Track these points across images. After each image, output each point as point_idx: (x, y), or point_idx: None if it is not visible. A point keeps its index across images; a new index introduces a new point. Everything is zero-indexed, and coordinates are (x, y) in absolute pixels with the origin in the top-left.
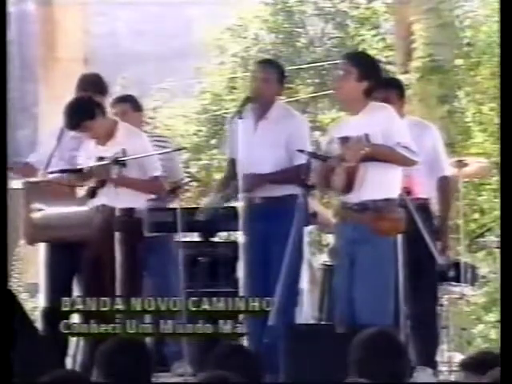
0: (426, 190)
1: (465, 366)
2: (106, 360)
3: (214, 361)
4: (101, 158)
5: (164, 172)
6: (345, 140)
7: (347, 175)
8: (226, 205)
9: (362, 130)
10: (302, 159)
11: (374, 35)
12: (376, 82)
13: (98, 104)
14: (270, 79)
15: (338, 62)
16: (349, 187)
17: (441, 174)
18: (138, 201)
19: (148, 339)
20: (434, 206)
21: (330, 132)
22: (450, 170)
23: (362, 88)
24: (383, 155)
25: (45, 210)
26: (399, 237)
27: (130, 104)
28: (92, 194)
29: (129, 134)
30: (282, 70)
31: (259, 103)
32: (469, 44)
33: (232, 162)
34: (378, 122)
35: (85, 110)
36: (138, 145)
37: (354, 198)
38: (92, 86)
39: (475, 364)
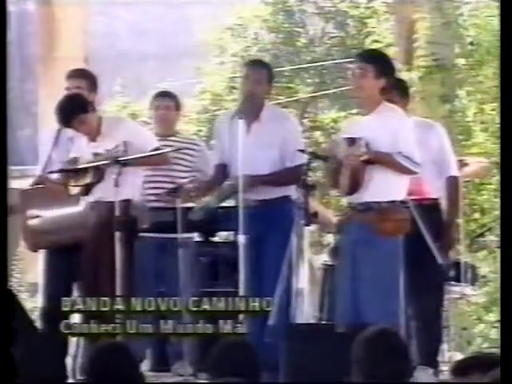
0: (434, 190)
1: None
2: (92, 365)
3: (216, 357)
4: (96, 155)
5: (197, 174)
6: (349, 141)
7: (350, 176)
8: (225, 205)
9: (370, 132)
10: (297, 160)
11: (379, 34)
12: (391, 79)
13: (88, 100)
14: (262, 80)
15: (338, 61)
16: (352, 188)
17: (448, 174)
18: (135, 191)
19: (139, 340)
20: (443, 206)
21: (343, 131)
22: (457, 170)
23: (380, 86)
24: (384, 162)
25: (44, 216)
26: (402, 237)
27: (175, 102)
28: (87, 191)
29: (111, 123)
30: (271, 69)
31: (250, 105)
32: (471, 43)
33: (221, 167)
34: (387, 125)
35: (77, 105)
36: (127, 129)
37: (358, 197)
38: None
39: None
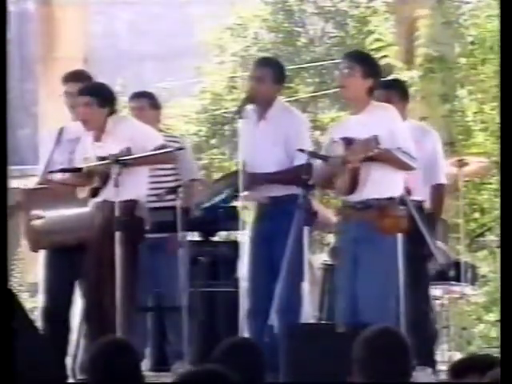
0: (420, 192)
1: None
2: (95, 364)
3: (217, 357)
4: (101, 159)
5: (180, 173)
6: (347, 140)
7: (350, 175)
8: (226, 205)
9: (365, 130)
10: (301, 159)
11: (380, 33)
12: (378, 80)
13: (114, 100)
14: (266, 79)
15: (338, 61)
16: (352, 188)
17: (436, 181)
18: (140, 191)
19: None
20: (427, 211)
21: (330, 132)
22: (445, 178)
23: (367, 86)
24: (384, 159)
25: (46, 216)
26: (400, 235)
27: (149, 101)
28: (94, 193)
29: (116, 122)
30: (280, 69)
31: (259, 103)
32: (472, 42)
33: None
34: (381, 122)
35: (102, 93)
36: (131, 129)
37: (356, 196)
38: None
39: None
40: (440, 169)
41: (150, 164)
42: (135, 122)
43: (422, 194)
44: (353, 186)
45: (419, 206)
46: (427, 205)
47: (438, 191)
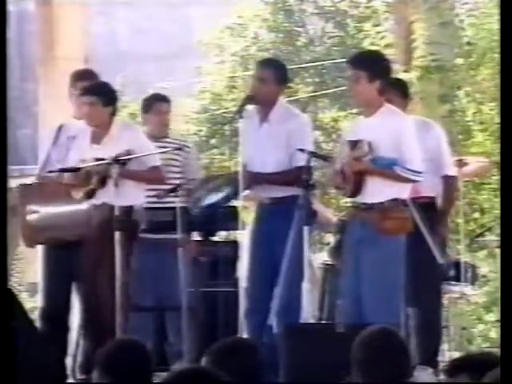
0: (431, 188)
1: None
2: (106, 362)
3: (213, 357)
4: (98, 158)
5: (183, 176)
6: (353, 142)
7: (355, 178)
8: (226, 204)
9: (373, 134)
10: (302, 160)
11: (378, 32)
12: (387, 78)
13: (116, 99)
14: (268, 79)
15: (338, 61)
16: (356, 189)
17: (444, 173)
18: (138, 199)
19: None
20: (438, 204)
21: (346, 132)
22: (453, 169)
23: (375, 88)
24: (384, 176)
25: (41, 212)
26: (403, 237)
27: (171, 105)
28: (91, 194)
29: (124, 129)
30: (283, 70)
31: (261, 104)
32: (469, 43)
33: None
34: (390, 128)
35: (106, 92)
36: (134, 139)
37: (361, 197)
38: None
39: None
40: (446, 161)
41: (139, 181)
42: (141, 133)
43: (431, 191)
44: (357, 187)
45: (431, 202)
46: (438, 199)
47: (448, 183)
